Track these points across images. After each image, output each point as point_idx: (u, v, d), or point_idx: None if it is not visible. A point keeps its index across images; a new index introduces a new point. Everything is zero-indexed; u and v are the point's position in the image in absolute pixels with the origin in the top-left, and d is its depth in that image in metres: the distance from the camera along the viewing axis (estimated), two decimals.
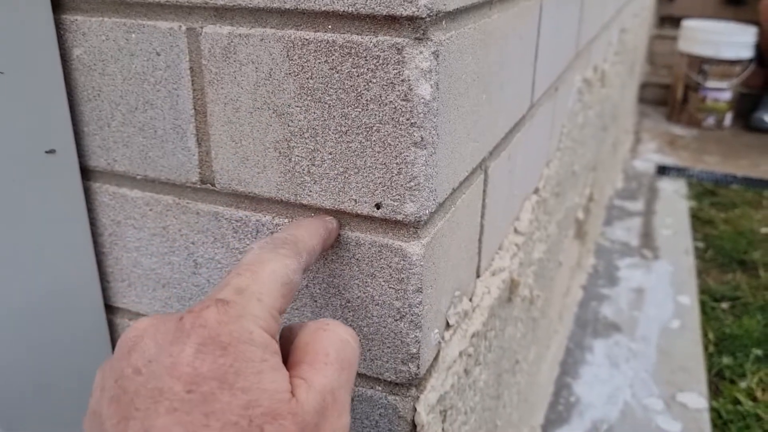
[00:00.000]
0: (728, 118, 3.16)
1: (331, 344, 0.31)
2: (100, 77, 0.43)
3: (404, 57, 0.34)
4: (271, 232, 0.42)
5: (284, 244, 0.33)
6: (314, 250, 0.35)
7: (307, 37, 0.36)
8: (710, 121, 3.15)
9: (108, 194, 0.46)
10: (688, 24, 3.20)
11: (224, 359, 0.26)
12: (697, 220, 2.18)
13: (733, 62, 3.06)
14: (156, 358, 0.27)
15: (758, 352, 1.50)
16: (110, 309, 0.51)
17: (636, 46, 2.23)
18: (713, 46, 3.04)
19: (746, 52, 3.04)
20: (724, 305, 1.70)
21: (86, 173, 0.46)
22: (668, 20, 3.82)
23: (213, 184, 0.42)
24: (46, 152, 0.43)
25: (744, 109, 3.18)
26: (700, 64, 3.10)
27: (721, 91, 3.10)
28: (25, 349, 0.45)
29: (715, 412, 1.30)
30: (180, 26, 0.39)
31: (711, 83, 3.09)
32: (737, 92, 3.15)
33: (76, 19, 0.42)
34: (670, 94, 3.31)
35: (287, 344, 0.32)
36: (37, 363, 0.46)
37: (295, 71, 0.37)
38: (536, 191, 0.76)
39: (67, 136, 0.44)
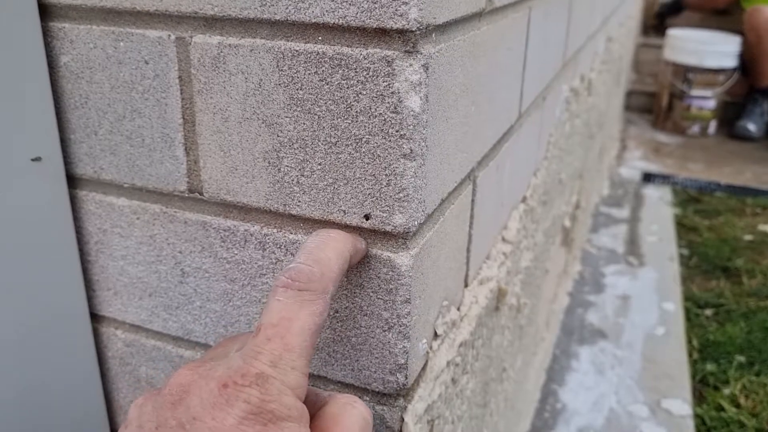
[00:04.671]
0: (712, 126, 3.20)
1: (357, 422, 0.34)
2: (87, 85, 0.42)
3: (394, 69, 0.34)
4: (260, 242, 0.42)
5: (309, 285, 0.33)
6: (341, 274, 0.35)
7: (298, 49, 0.36)
8: (695, 128, 3.19)
9: (94, 202, 0.46)
10: (673, 33, 3.24)
11: None
12: (682, 227, 2.20)
13: (717, 71, 3.10)
14: (200, 417, 0.30)
15: (741, 358, 1.52)
16: (96, 317, 0.50)
17: (622, 54, 2.26)
18: (698, 55, 3.08)
19: (730, 62, 3.09)
20: (708, 312, 1.72)
21: (72, 181, 0.46)
22: (654, 29, 3.86)
23: (201, 194, 0.42)
24: (32, 160, 0.42)
25: (728, 117, 3.22)
26: (685, 72, 3.13)
27: (705, 100, 3.14)
28: (9, 356, 0.44)
29: (699, 418, 1.31)
30: (169, 35, 0.39)
31: (696, 91, 3.13)
32: (721, 101, 3.19)
33: (64, 27, 0.42)
34: (656, 102, 3.35)
35: (312, 406, 0.35)
36: (22, 370, 0.45)
37: (284, 82, 0.37)
38: (524, 200, 0.76)
39: (53, 144, 0.43)
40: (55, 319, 0.47)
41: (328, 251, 0.35)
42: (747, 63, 3.14)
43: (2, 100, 0.40)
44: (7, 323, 0.43)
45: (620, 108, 2.82)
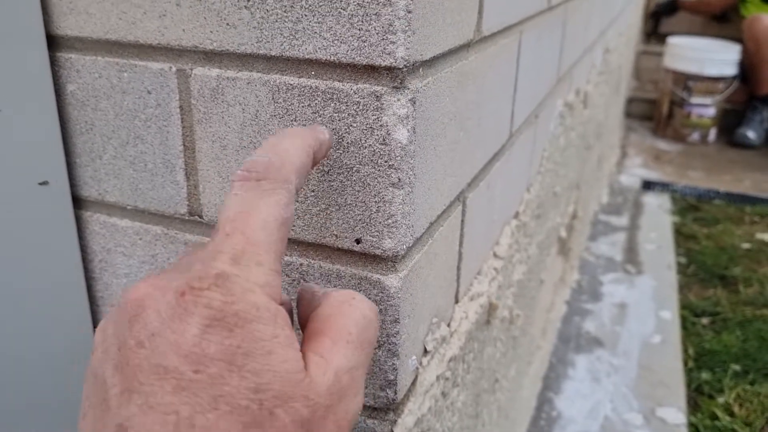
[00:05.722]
0: (712, 134, 3.22)
1: (355, 321, 0.30)
2: (92, 112, 0.44)
3: (383, 104, 0.36)
4: None
5: (267, 174, 0.30)
6: (304, 167, 0.32)
7: (292, 82, 0.38)
8: (695, 136, 3.20)
9: (99, 223, 0.48)
10: (673, 41, 3.26)
11: (231, 340, 0.26)
12: (680, 235, 2.22)
13: (717, 79, 3.12)
14: (159, 332, 0.26)
15: (736, 367, 1.53)
16: None
17: (621, 64, 2.27)
18: (698, 62, 3.10)
19: (730, 69, 3.10)
20: (705, 320, 1.73)
21: (78, 203, 0.48)
22: (654, 36, 3.88)
23: (201, 216, 0.44)
24: (40, 184, 0.44)
25: (728, 124, 3.24)
26: (685, 80, 3.15)
27: (705, 107, 3.16)
28: (15, 370, 0.46)
29: (693, 427, 1.33)
30: (170, 67, 0.41)
31: (696, 99, 3.15)
32: (721, 108, 3.21)
33: (71, 57, 0.44)
34: (656, 110, 3.36)
35: (308, 307, 0.32)
36: (26, 385, 0.47)
37: (279, 113, 0.39)
38: (516, 215, 0.78)
39: (59, 169, 0.45)
40: (60, 333, 0.49)
41: (285, 143, 0.32)
42: (747, 71, 3.16)
43: (11, 127, 0.42)
44: (13, 338, 0.45)
45: (620, 116, 2.84)
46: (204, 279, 0.26)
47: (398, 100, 0.36)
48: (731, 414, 1.38)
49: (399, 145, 0.37)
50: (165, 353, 0.26)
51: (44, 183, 0.44)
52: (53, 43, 0.44)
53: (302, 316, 0.32)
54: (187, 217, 0.45)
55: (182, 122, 0.42)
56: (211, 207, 0.43)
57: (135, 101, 0.43)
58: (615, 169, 2.71)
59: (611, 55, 1.81)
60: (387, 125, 0.37)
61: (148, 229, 0.47)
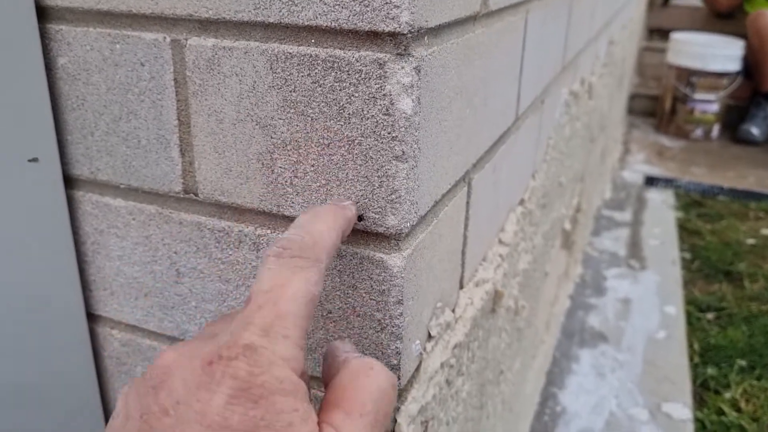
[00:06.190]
0: (716, 130, 3.20)
1: (371, 394, 0.30)
2: (84, 86, 0.43)
3: (386, 72, 0.35)
4: (254, 243, 0.42)
5: (301, 253, 0.31)
6: (334, 247, 0.33)
7: (291, 51, 0.36)
8: (698, 132, 3.18)
9: (91, 203, 0.46)
10: (676, 36, 3.24)
11: (255, 411, 0.27)
12: (684, 230, 2.20)
13: (720, 75, 3.10)
14: (184, 400, 0.27)
15: (742, 362, 1.51)
16: (92, 317, 0.51)
17: (624, 57, 2.26)
18: (701, 58, 3.07)
19: (734, 65, 3.08)
20: (710, 316, 1.71)
21: (69, 182, 0.46)
22: (657, 32, 3.86)
23: (196, 195, 0.42)
24: (29, 161, 0.43)
25: (731, 121, 3.21)
26: (689, 76, 3.13)
27: (708, 103, 3.14)
28: (5, 355, 0.44)
29: (699, 422, 1.31)
30: (165, 38, 0.39)
31: (699, 95, 3.12)
32: (725, 104, 3.19)
33: (61, 29, 0.42)
34: (659, 106, 3.34)
35: (329, 370, 0.33)
36: (18, 370, 0.46)
37: (278, 84, 0.37)
38: (521, 203, 0.77)
39: (50, 145, 0.44)
40: (52, 318, 0.47)
41: (318, 224, 0.33)
42: (750, 67, 3.14)
43: (0, 102, 0.40)
44: (3, 322, 0.44)
45: (623, 111, 2.82)
46: (232, 348, 0.27)
47: (402, 68, 0.35)
48: (738, 409, 1.36)
49: (403, 115, 0.35)
50: (189, 422, 0.27)
51: (34, 159, 0.43)
52: (43, 14, 0.42)
53: (324, 376, 0.33)
54: (182, 195, 0.43)
55: (177, 95, 0.40)
56: (207, 184, 0.42)
57: (128, 74, 0.41)
58: (617, 165, 2.69)
59: (615, 48, 1.79)
60: (390, 94, 0.35)
61: (142, 209, 0.45)
